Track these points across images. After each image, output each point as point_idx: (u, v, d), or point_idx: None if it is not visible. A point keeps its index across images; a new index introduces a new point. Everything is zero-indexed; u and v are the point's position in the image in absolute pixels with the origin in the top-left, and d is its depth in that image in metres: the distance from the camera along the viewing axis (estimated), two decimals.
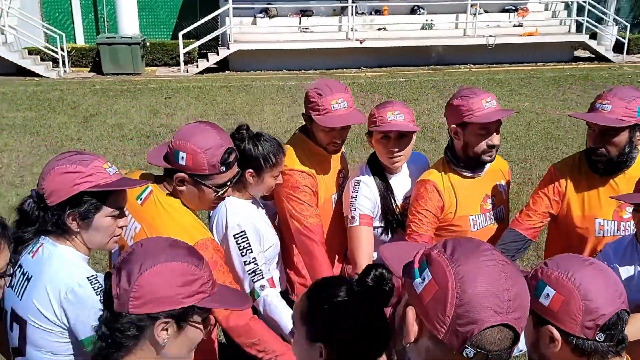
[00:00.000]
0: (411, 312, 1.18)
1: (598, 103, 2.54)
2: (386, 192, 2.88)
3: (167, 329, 1.40)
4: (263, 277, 2.63)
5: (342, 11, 16.83)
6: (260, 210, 2.84)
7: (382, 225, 2.91)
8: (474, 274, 1.13)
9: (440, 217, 2.76)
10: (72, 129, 9.83)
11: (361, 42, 15.99)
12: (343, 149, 3.27)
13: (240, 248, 2.60)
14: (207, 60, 15.94)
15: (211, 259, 2.18)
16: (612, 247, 2.39)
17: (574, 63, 16.66)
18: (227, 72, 15.75)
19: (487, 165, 2.79)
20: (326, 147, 2.91)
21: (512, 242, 2.74)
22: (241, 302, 1.61)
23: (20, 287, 1.94)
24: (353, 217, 2.82)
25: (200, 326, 1.46)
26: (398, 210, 2.91)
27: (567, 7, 17.61)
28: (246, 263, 2.60)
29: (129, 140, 9.28)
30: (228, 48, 15.77)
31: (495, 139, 2.65)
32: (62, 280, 1.87)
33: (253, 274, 2.62)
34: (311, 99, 2.84)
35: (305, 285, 3.14)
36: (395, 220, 2.91)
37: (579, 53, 17.48)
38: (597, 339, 1.42)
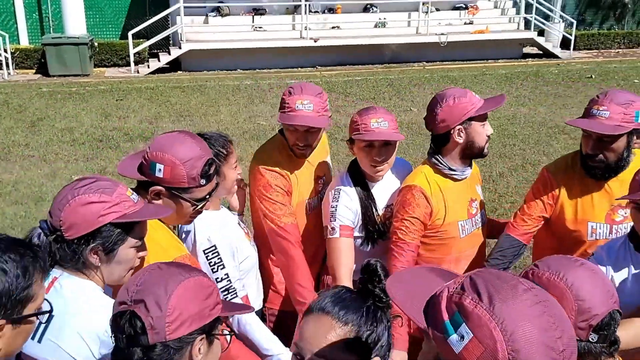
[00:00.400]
0: None
1: (594, 109, 2.48)
2: (367, 202, 2.79)
3: (201, 347, 1.38)
4: (237, 296, 2.52)
5: (296, 10, 16.71)
6: (233, 219, 2.72)
7: (363, 235, 2.83)
8: (523, 328, 0.98)
9: (428, 224, 2.68)
10: (19, 134, 9.42)
11: (315, 41, 15.91)
12: (329, 160, 3.19)
13: (211, 264, 2.47)
14: (159, 61, 15.57)
15: None
16: (605, 250, 2.37)
17: (523, 60, 17.01)
18: (179, 72, 15.43)
19: (471, 167, 2.76)
20: (292, 148, 2.86)
21: (509, 249, 2.73)
22: (246, 307, 1.61)
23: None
24: (333, 228, 2.73)
25: (222, 338, 1.46)
26: (379, 220, 2.83)
27: (516, 4, 17.94)
28: (218, 280, 2.47)
29: (80, 144, 8.94)
30: (180, 48, 15.43)
31: (489, 128, 2.67)
32: (99, 323, 1.69)
33: (226, 292, 2.49)
34: (282, 97, 2.82)
35: (280, 294, 3.04)
36: (376, 230, 2.83)
37: (527, 50, 17.83)
38: (590, 339, 1.42)
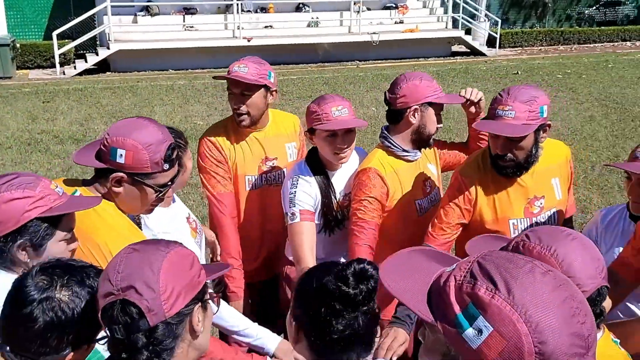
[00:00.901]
0: None
1: (499, 109, 2.40)
2: (327, 190, 2.80)
3: (198, 315, 1.38)
4: None
5: (227, 9, 16.55)
6: (183, 213, 2.65)
7: (321, 223, 2.83)
8: (548, 317, 0.92)
9: (386, 204, 2.71)
10: None
11: (249, 40, 15.79)
12: (292, 147, 3.18)
13: None
14: (86, 62, 15.04)
15: None
16: (604, 213, 2.59)
17: (452, 58, 17.46)
18: (108, 73, 14.96)
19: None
20: (234, 116, 2.97)
21: None
22: (223, 266, 1.62)
23: None
24: (293, 214, 2.72)
25: (213, 301, 1.46)
26: (338, 207, 2.84)
27: (443, 4, 18.41)
28: None
29: (6, 149, 8.50)
30: (108, 48, 14.97)
31: (440, 121, 2.70)
32: None
33: None
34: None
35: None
36: (334, 218, 2.84)
37: (456, 48, 18.33)
38: None
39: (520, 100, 2.38)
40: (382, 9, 18.05)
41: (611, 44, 19.32)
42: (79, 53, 15.73)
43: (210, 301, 1.45)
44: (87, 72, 14.71)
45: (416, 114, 2.64)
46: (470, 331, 0.93)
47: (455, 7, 17.84)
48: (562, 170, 2.68)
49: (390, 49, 16.85)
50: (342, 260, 2.82)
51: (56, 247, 1.78)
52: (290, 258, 2.96)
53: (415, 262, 1.14)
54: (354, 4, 17.02)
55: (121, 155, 1.98)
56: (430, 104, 2.63)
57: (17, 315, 1.40)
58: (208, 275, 1.43)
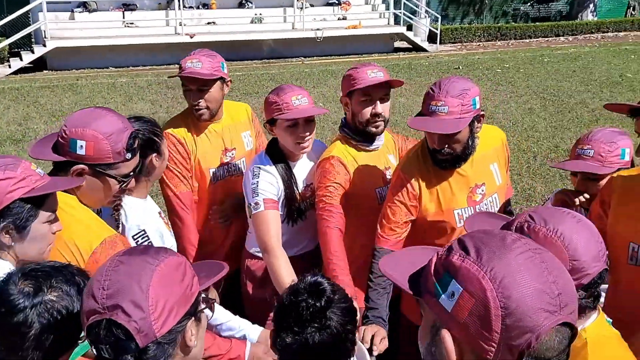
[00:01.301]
0: (448, 337, 0.98)
1: (433, 105, 2.38)
2: (290, 181, 2.79)
3: (192, 329, 1.29)
4: None
5: (168, 5, 16.25)
6: (155, 208, 2.61)
7: (284, 214, 2.82)
8: (513, 273, 0.95)
9: (348, 191, 2.73)
10: None
11: (191, 37, 15.55)
12: (249, 136, 3.17)
13: None
14: (21, 60, 14.45)
15: None
16: None
17: (395, 53, 17.70)
18: (45, 71, 14.43)
19: (382, 138, 2.82)
20: (192, 111, 2.97)
21: None
22: (220, 267, 1.48)
23: None
24: (257, 203, 2.70)
25: (207, 308, 1.37)
26: (300, 198, 2.85)
27: (385, 0, 18.64)
28: None
29: None
30: (44, 45, 14.44)
31: (379, 107, 2.67)
32: None
33: None
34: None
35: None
36: (297, 209, 2.85)
37: (398, 44, 18.59)
38: (579, 296, 1.39)
39: (452, 95, 2.38)
40: (325, 5, 18.11)
41: (545, 39, 20.00)
42: (14, 51, 15.12)
43: (204, 312, 1.37)
44: (22, 70, 14.16)
45: (348, 105, 2.73)
46: (444, 296, 0.98)
47: (397, 3, 18.09)
48: (499, 155, 2.74)
49: (334, 45, 16.93)
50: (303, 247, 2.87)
51: (40, 228, 1.75)
52: (251, 251, 2.96)
53: (411, 253, 1.19)
54: (297, 0, 17.02)
55: (81, 146, 1.93)
56: (352, 92, 2.69)
57: (8, 324, 1.34)
58: (204, 282, 1.36)
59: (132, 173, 2.08)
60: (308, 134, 2.72)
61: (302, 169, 2.88)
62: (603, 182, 2.38)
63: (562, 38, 20.12)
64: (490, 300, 0.93)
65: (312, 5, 17.73)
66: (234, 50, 15.92)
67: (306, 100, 2.69)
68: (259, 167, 2.76)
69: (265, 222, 2.68)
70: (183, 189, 2.97)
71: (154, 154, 2.41)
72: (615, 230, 2.16)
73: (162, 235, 2.48)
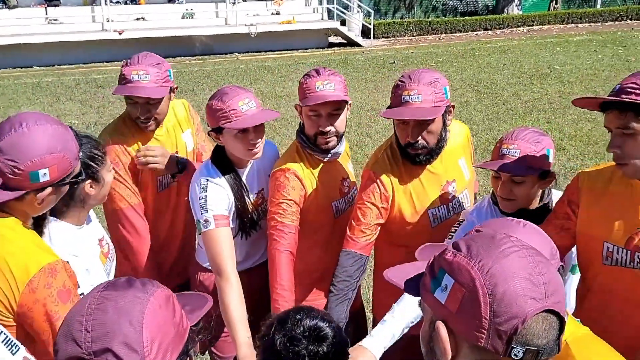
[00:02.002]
0: (442, 327, 1.04)
1: (405, 95, 2.30)
2: (240, 191, 2.61)
3: None
4: None
5: (94, 0, 15.62)
6: (96, 234, 2.37)
7: (236, 227, 2.65)
8: (500, 264, 1.02)
9: (303, 207, 2.58)
10: None
11: (120, 33, 15.01)
12: (189, 135, 2.98)
13: None
14: None
15: (63, 287, 1.76)
16: (474, 215, 2.41)
17: (330, 49, 17.69)
18: None
19: (340, 146, 2.63)
20: (135, 121, 2.78)
21: (353, 267, 2.49)
22: (205, 299, 1.34)
23: None
24: (206, 220, 2.48)
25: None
26: (252, 208, 2.68)
27: None
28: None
29: None
30: None
31: (324, 125, 2.47)
32: None
33: None
34: (121, 68, 2.71)
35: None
36: (249, 220, 2.68)
37: (332, 39, 18.58)
38: None
39: (425, 83, 2.30)
40: (258, 1, 17.89)
41: (474, 33, 20.47)
42: None
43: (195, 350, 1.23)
44: None
45: (301, 113, 2.54)
46: (439, 290, 1.06)
47: None
48: (465, 150, 2.68)
49: (268, 40, 16.74)
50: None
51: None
52: (204, 265, 2.79)
53: (417, 264, 1.25)
54: None
55: (45, 174, 1.74)
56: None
57: None
58: (192, 317, 1.21)
59: (82, 171, 1.92)
60: (259, 140, 2.53)
61: (251, 175, 2.70)
62: (530, 185, 2.24)
63: (490, 32, 20.64)
64: (479, 288, 1.00)
65: (244, 0, 17.47)
66: (164, 46, 15.45)
67: (254, 104, 2.47)
68: (207, 180, 2.55)
69: (216, 242, 2.48)
70: (135, 201, 2.81)
71: (88, 181, 2.14)
72: (588, 231, 2.10)
73: (89, 270, 2.23)
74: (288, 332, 1.33)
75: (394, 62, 14.58)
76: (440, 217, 2.56)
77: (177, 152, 2.93)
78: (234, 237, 2.62)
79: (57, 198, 1.87)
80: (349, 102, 2.53)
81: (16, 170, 1.71)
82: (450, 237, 2.40)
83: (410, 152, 2.41)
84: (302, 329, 1.32)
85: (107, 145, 2.63)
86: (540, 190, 2.32)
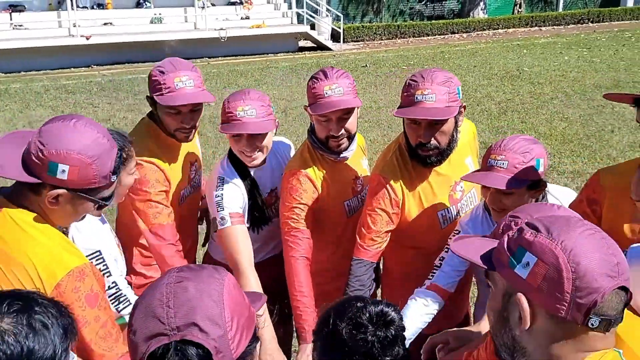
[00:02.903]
0: (523, 298, 1.14)
1: (418, 94, 2.25)
2: (252, 191, 2.61)
3: (256, 356, 1.18)
4: (130, 303, 2.24)
5: (60, 5, 15.33)
6: (107, 225, 2.35)
7: (248, 222, 2.63)
8: (580, 245, 1.12)
9: (315, 208, 2.57)
10: None
11: (87, 38, 14.74)
12: (197, 137, 2.91)
13: None
14: None
15: (91, 291, 1.71)
16: (470, 225, 2.39)
17: (300, 53, 17.68)
18: None
19: (352, 146, 2.62)
20: (174, 133, 2.60)
21: (365, 275, 2.47)
22: (260, 294, 1.36)
23: None
24: (223, 218, 2.48)
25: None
26: (264, 205, 2.68)
27: None
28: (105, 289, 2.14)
29: None
30: None
31: (335, 129, 2.45)
32: None
33: (117, 301, 2.22)
34: (153, 78, 2.51)
35: (143, 286, 2.75)
36: (261, 217, 2.68)
37: (302, 43, 18.58)
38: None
39: (438, 82, 2.25)
40: (227, 5, 17.80)
41: (442, 36, 20.71)
42: None
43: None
44: None
45: (311, 115, 2.50)
46: (520, 266, 1.15)
47: (299, 2, 18.08)
48: (472, 148, 2.66)
49: (239, 45, 16.65)
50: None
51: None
52: (217, 258, 2.80)
53: (470, 242, 1.36)
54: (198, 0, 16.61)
55: (63, 171, 1.66)
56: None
57: None
58: (253, 305, 1.22)
59: (112, 195, 1.84)
60: (254, 147, 2.50)
61: (265, 173, 2.69)
62: (520, 196, 2.19)
63: (457, 35, 20.92)
64: (563, 265, 1.10)
65: (213, 5, 17.35)
66: (133, 51, 15.31)
67: (254, 113, 2.45)
68: (222, 178, 2.54)
69: (234, 239, 2.46)
70: (163, 220, 2.57)
71: (123, 172, 2.15)
72: (615, 229, 2.03)
73: (117, 260, 2.26)
74: (352, 319, 1.29)
75: (366, 66, 14.65)
76: (449, 218, 2.55)
77: (196, 160, 2.85)
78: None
79: (76, 210, 1.78)
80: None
81: (40, 155, 1.66)
82: (446, 250, 2.36)
83: (420, 154, 2.37)
84: (367, 315, 1.29)
85: (139, 165, 2.47)
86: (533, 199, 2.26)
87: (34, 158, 1.66)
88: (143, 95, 10.58)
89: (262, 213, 2.67)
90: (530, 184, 2.17)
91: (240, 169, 2.59)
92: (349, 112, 2.46)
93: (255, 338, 1.14)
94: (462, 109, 2.37)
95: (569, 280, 1.10)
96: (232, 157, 2.61)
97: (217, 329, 1.06)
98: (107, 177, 1.74)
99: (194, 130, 2.62)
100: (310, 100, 2.46)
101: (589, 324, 1.11)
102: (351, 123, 2.49)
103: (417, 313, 2.23)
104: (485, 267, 1.23)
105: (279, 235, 2.67)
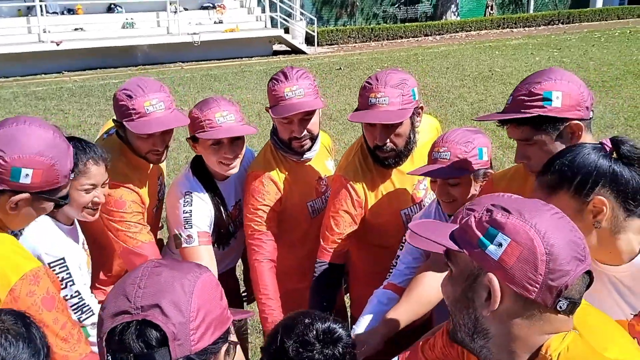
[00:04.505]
0: (494, 278, 1.13)
1: (372, 97, 2.25)
2: (218, 205, 2.55)
3: (226, 358, 1.16)
4: (93, 313, 2.17)
5: (29, 11, 15.09)
6: (79, 236, 2.29)
7: (214, 239, 2.58)
8: (552, 227, 1.13)
9: (279, 210, 2.55)
10: None
11: (58, 44, 14.54)
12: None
13: (60, 279, 2.07)
14: None
15: (47, 294, 1.69)
16: (423, 219, 2.39)
17: (275, 56, 17.65)
18: None
19: (315, 147, 2.60)
20: (146, 156, 2.48)
21: (331, 277, 2.47)
22: (247, 312, 1.37)
23: None
24: (189, 236, 2.42)
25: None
26: (230, 220, 2.63)
27: (260, 3, 18.54)
28: (67, 298, 2.10)
29: None
30: None
31: (297, 131, 2.43)
32: None
33: (79, 311, 2.15)
34: (120, 102, 2.36)
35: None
36: (226, 232, 2.63)
37: (277, 47, 18.55)
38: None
39: (392, 85, 2.25)
40: (200, 9, 17.69)
41: (415, 39, 20.86)
42: None
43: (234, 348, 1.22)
44: None
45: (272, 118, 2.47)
46: (492, 247, 1.14)
47: (272, 6, 18.06)
48: None
49: (213, 49, 16.56)
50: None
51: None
52: None
53: (432, 225, 1.34)
54: (170, 4, 16.46)
55: (27, 175, 1.65)
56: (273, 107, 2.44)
57: None
58: (233, 314, 1.20)
59: (68, 194, 1.82)
60: (234, 154, 2.45)
61: (229, 186, 2.63)
62: (466, 186, 2.23)
63: (430, 38, 21.08)
64: (537, 247, 1.10)
65: (185, 9, 17.24)
66: (105, 57, 15.15)
67: (232, 118, 2.40)
68: (191, 194, 2.47)
69: (200, 260, 2.37)
70: (145, 239, 2.47)
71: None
72: None
73: (81, 268, 2.19)
74: (299, 337, 1.30)
75: (340, 69, 14.68)
76: (413, 217, 2.53)
77: (160, 175, 2.76)
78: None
79: (34, 213, 1.75)
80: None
81: (1, 162, 1.64)
82: (401, 247, 2.37)
83: (379, 155, 2.38)
84: (314, 332, 1.31)
85: (114, 187, 2.38)
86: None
87: None
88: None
89: (227, 229, 2.62)
90: (474, 172, 2.20)
91: (206, 182, 2.53)
92: (310, 113, 2.44)
93: (224, 340, 1.12)
94: (420, 110, 2.37)
95: (543, 262, 1.10)
96: (195, 170, 2.55)
97: (179, 315, 1.05)
98: (68, 175, 1.75)
99: (165, 151, 2.52)
100: (271, 102, 2.44)
101: (558, 307, 1.11)
102: (313, 124, 2.48)
103: (376, 312, 2.22)
104: (450, 248, 1.20)
105: (240, 247, 2.69)
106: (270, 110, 2.44)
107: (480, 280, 1.15)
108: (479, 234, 1.16)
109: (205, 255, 2.42)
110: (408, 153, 2.41)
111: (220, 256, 2.63)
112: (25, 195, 1.67)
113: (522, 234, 1.12)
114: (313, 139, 2.53)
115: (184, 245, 2.42)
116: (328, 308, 2.37)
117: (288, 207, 2.58)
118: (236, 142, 2.45)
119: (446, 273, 1.28)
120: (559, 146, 1.81)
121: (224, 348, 1.13)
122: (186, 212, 2.43)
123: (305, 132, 2.45)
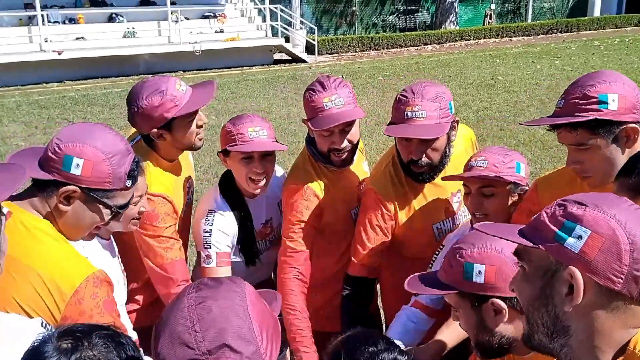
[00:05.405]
0: (577, 272, 1.09)
1: (408, 111, 2.17)
2: (246, 224, 2.51)
3: None
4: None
5: (31, 20, 15.08)
6: (115, 251, 2.24)
7: (242, 260, 2.56)
8: (632, 218, 1.11)
9: (319, 225, 2.49)
10: None
11: (59, 53, 14.52)
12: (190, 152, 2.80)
13: None
14: None
15: (107, 297, 1.67)
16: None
17: (275, 65, 17.67)
18: None
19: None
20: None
21: (363, 292, 2.44)
22: (273, 293, 1.31)
23: None
24: (208, 256, 2.41)
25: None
26: (258, 238, 2.59)
27: (260, 12, 18.58)
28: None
29: None
30: None
31: (338, 143, 2.35)
32: None
33: None
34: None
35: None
36: (254, 252, 2.59)
37: (277, 56, 18.57)
38: None
39: (429, 98, 2.17)
40: (201, 19, 17.73)
41: (415, 47, 20.90)
42: None
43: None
44: None
45: (310, 129, 2.41)
46: (570, 240, 1.10)
47: (273, 15, 18.10)
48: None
49: (213, 58, 16.57)
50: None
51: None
52: None
53: (499, 226, 1.32)
54: (171, 13, 16.49)
55: (78, 165, 1.63)
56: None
57: None
58: (273, 308, 1.20)
59: (129, 203, 1.79)
60: (263, 170, 2.42)
61: (259, 204, 2.58)
62: (501, 198, 2.18)
63: (430, 46, 21.14)
64: (619, 237, 1.08)
65: (187, 19, 17.27)
66: (107, 66, 15.15)
67: (265, 134, 2.37)
68: (214, 212, 2.45)
69: None
70: (174, 256, 2.40)
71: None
72: None
73: (119, 283, 2.13)
74: None
75: (343, 77, 14.66)
76: (445, 230, 2.49)
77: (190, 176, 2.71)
78: (238, 267, 2.55)
79: (87, 216, 1.72)
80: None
81: (57, 150, 1.64)
82: (430, 266, 2.32)
83: (413, 170, 2.31)
84: None
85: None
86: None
87: (50, 154, 1.64)
88: (118, 110, 10.51)
89: (252, 248, 2.57)
90: (511, 183, 2.16)
91: (235, 199, 2.50)
92: (350, 123, 2.36)
93: (284, 343, 1.10)
94: (455, 124, 2.30)
95: (627, 252, 1.07)
96: (224, 187, 2.52)
97: (249, 345, 1.04)
98: (122, 179, 1.70)
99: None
100: (309, 113, 2.35)
101: None
102: (353, 134, 2.40)
103: (404, 330, 2.20)
104: (524, 244, 1.17)
105: (270, 263, 2.66)
106: (308, 122, 2.35)
107: (559, 275, 1.12)
108: (554, 228, 1.13)
109: (222, 275, 2.34)
110: (443, 167, 2.33)
111: (248, 273, 2.58)
112: (75, 187, 1.64)
113: (602, 225, 1.09)
114: (353, 150, 2.45)
115: (203, 264, 2.42)
116: (360, 323, 2.33)
117: (332, 217, 2.51)
118: (267, 157, 2.42)
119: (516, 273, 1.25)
120: (614, 150, 1.78)
121: (287, 352, 1.11)
122: (206, 232, 2.42)
123: (345, 142, 2.38)
